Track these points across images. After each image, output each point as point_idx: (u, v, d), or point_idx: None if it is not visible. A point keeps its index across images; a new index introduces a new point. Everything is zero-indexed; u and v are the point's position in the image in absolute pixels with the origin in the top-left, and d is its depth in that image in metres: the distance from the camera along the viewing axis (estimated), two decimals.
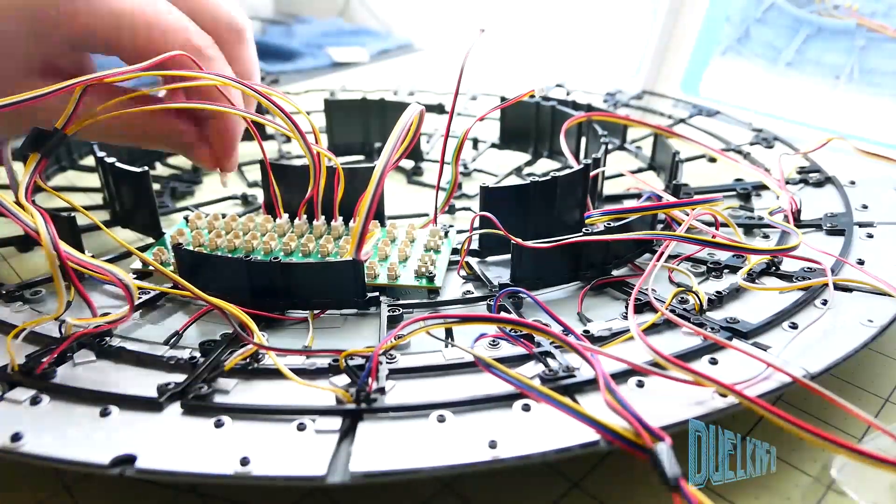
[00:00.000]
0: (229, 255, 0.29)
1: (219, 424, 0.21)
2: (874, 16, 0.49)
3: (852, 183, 0.39)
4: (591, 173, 0.34)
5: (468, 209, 0.42)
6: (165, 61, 0.27)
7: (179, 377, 0.23)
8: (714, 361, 0.24)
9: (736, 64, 0.54)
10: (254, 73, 0.33)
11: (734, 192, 0.40)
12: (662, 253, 0.29)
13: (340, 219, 0.34)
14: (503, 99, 0.50)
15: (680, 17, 0.55)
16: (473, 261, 0.33)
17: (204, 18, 0.30)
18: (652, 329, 0.26)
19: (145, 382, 0.23)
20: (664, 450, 0.18)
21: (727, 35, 0.54)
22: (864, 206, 0.36)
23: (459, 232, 0.35)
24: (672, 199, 0.34)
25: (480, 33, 0.34)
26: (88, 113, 0.26)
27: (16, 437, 0.19)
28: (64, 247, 0.22)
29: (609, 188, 0.42)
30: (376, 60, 0.88)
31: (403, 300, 0.29)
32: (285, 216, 0.34)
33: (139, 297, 0.28)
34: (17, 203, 0.23)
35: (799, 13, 0.51)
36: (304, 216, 0.34)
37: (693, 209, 0.31)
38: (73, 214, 0.32)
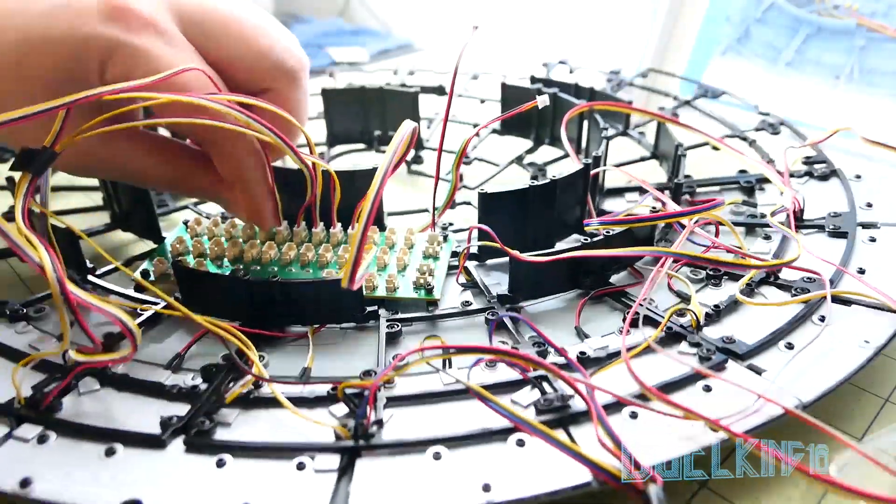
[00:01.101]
0: (228, 274, 0.29)
1: (220, 464, 0.21)
2: (874, 16, 0.47)
3: (858, 177, 0.38)
4: (592, 172, 0.34)
5: (468, 203, 0.42)
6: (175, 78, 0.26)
7: (182, 408, 0.23)
8: (708, 388, 0.24)
9: (736, 64, 0.53)
10: (302, 118, 0.32)
11: (737, 185, 0.39)
12: (663, 263, 0.29)
13: (339, 225, 0.34)
14: (504, 86, 0.49)
15: (680, 17, 0.53)
16: (472, 265, 0.33)
17: (257, 58, 0.29)
18: (649, 349, 0.26)
19: (148, 412, 0.23)
20: (655, 492, 0.19)
21: (727, 35, 0.53)
22: (869, 205, 0.35)
23: (459, 231, 0.35)
24: (674, 206, 0.33)
25: (474, 30, 0.33)
26: (74, 136, 0.25)
27: (25, 483, 0.20)
28: (70, 286, 0.22)
29: (610, 181, 0.41)
30: (376, 60, 0.86)
31: (402, 313, 0.29)
32: (284, 223, 0.34)
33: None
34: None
35: (799, 13, 0.49)
36: (304, 223, 0.34)
37: (692, 219, 0.30)
38: (73, 235, 0.32)
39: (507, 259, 0.30)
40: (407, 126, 0.27)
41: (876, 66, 0.49)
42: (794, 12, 0.50)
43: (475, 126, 0.51)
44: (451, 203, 0.33)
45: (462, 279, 0.32)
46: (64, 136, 0.25)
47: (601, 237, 0.30)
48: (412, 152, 0.48)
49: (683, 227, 0.32)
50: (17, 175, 0.24)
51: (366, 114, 0.49)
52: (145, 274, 0.32)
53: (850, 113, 0.48)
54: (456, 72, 0.33)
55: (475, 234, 0.32)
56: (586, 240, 0.31)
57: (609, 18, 0.64)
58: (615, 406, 0.23)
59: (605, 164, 0.37)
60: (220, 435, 0.22)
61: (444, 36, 0.87)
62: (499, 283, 0.32)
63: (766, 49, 0.52)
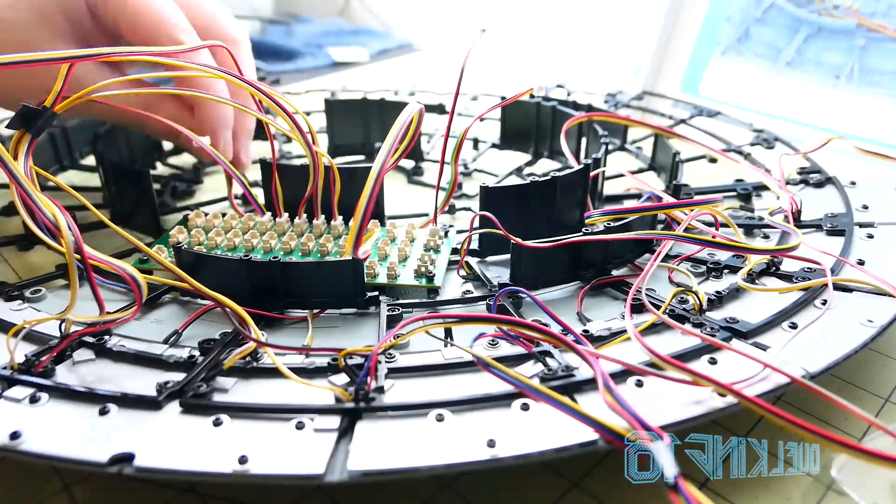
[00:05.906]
0: (228, 255, 0.29)
1: (217, 423, 0.21)
2: (874, 16, 0.49)
3: (853, 183, 0.39)
4: (592, 173, 0.34)
5: (468, 209, 0.42)
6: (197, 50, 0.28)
7: (178, 376, 0.23)
8: (713, 361, 0.24)
9: (736, 64, 0.54)
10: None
11: (734, 193, 0.40)
12: (660, 253, 0.29)
13: (340, 218, 0.34)
14: (504, 99, 0.50)
15: (680, 17, 0.55)
16: (473, 261, 0.33)
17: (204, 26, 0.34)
18: (652, 329, 0.26)
19: (144, 381, 0.23)
20: (662, 448, 0.18)
21: (727, 35, 0.55)
22: (865, 207, 0.36)
23: (459, 232, 0.35)
24: (672, 200, 0.34)
25: (481, 33, 0.34)
26: (81, 92, 0.25)
27: (14, 436, 0.19)
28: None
29: (609, 188, 0.42)
30: (376, 60, 0.88)
31: (403, 300, 0.29)
32: (285, 215, 0.34)
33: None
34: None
35: (799, 13, 0.51)
36: (304, 215, 0.34)
37: (692, 210, 0.30)
38: (72, 213, 0.32)
39: (507, 256, 0.30)
40: (412, 106, 0.28)
41: (876, 66, 0.50)
42: (794, 12, 0.51)
43: (475, 140, 0.52)
44: (453, 193, 0.33)
45: (463, 272, 0.32)
46: (63, 95, 0.25)
47: (601, 229, 0.30)
48: (412, 163, 0.49)
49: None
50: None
51: (367, 125, 0.50)
52: (142, 261, 0.32)
53: (850, 113, 0.49)
54: (462, 73, 0.33)
55: (477, 224, 0.31)
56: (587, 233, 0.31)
57: (609, 20, 0.65)
58: (620, 376, 0.23)
59: (604, 166, 0.37)
60: (218, 399, 0.22)
61: (445, 36, 0.89)
62: (499, 276, 0.31)
63: (766, 49, 0.53)
